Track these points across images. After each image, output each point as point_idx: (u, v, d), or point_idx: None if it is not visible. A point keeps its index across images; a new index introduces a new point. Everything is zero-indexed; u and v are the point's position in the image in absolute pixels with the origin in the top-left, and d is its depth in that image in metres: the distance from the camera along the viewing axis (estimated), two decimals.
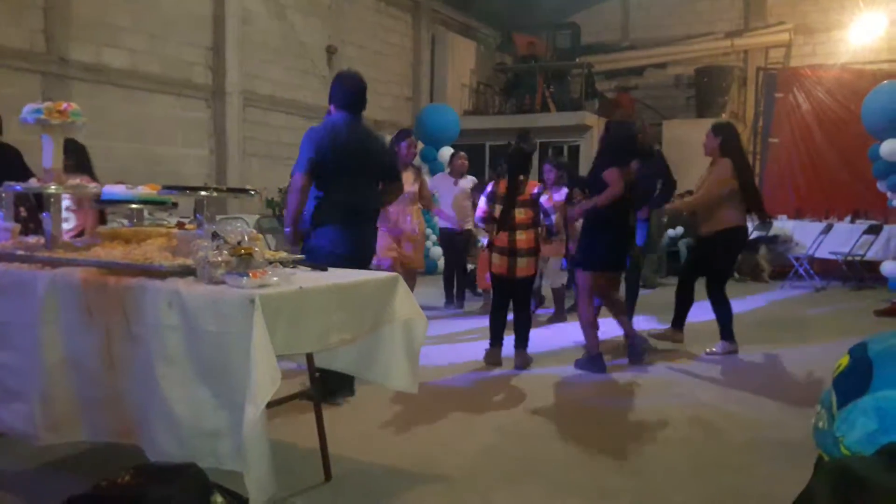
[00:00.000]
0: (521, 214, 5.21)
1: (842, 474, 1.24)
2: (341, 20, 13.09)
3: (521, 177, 5.30)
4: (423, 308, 3.13)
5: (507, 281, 5.28)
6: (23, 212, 3.78)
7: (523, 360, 5.29)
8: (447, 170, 8.47)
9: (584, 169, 14.59)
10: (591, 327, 5.27)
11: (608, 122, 5.97)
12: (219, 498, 2.18)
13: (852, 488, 1.20)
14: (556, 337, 6.38)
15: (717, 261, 5.79)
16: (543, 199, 5.37)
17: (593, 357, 5.20)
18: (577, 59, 16.27)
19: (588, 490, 3.07)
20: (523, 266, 5.22)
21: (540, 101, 15.46)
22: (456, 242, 7.85)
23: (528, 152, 5.54)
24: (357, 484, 3.05)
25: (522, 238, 5.19)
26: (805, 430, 2.25)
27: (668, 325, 6.09)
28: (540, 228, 5.37)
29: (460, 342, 6.06)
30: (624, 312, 5.64)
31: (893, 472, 1.21)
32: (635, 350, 5.41)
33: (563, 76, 16.11)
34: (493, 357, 5.32)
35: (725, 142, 5.68)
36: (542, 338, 6.19)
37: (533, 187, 5.29)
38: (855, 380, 1.59)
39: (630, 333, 5.51)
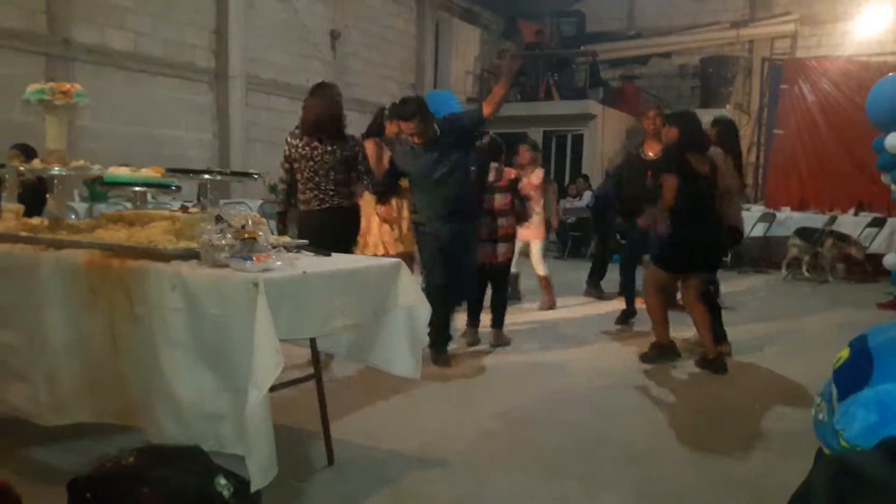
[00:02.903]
0: (499, 200, 5.36)
1: (839, 469, 1.24)
2: (345, 4, 13.04)
3: (496, 164, 5.43)
4: None
5: (489, 267, 5.41)
6: None
7: (499, 339, 5.47)
8: None
9: (587, 159, 14.64)
10: (661, 317, 5.08)
11: (670, 116, 5.41)
12: (222, 480, 2.19)
13: (850, 483, 1.20)
14: (550, 324, 6.38)
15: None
16: (520, 185, 5.46)
17: (663, 346, 5.10)
18: (582, 48, 16.21)
19: (586, 477, 3.08)
20: (503, 251, 5.42)
21: (544, 89, 15.41)
22: None
23: (499, 143, 5.59)
24: (359, 468, 3.07)
25: (504, 224, 5.39)
26: (806, 420, 2.25)
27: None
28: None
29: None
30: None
31: (892, 467, 1.20)
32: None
33: (567, 64, 16.05)
34: (470, 336, 5.45)
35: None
36: (536, 325, 6.22)
37: (510, 174, 5.47)
38: (855, 372, 1.59)
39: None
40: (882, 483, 1.19)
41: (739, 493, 3.02)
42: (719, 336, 5.51)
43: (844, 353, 1.72)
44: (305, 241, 3.17)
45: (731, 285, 8.88)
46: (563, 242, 12.78)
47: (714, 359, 4.95)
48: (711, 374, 4.88)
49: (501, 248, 5.39)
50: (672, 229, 4.92)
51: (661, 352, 5.12)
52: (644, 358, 5.11)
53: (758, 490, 3.01)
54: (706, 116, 5.79)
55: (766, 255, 11.52)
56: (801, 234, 10.37)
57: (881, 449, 1.31)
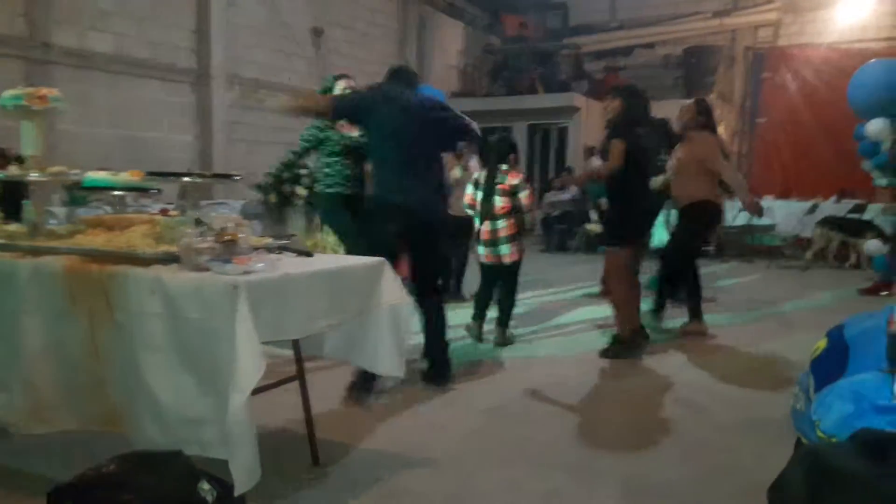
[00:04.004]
0: (501, 203, 5.27)
1: (814, 462, 1.26)
2: (327, 1, 12.98)
3: (504, 166, 5.35)
4: None
5: (496, 268, 5.40)
6: None
7: (503, 338, 5.41)
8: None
9: (572, 152, 14.66)
10: (628, 308, 5.08)
11: (616, 88, 5.47)
12: (205, 485, 2.18)
13: (824, 476, 1.21)
14: (537, 318, 6.39)
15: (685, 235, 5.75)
16: (524, 194, 5.32)
17: (624, 341, 5.04)
18: (566, 40, 16.22)
19: (575, 471, 3.09)
20: (506, 253, 5.31)
21: (528, 82, 15.42)
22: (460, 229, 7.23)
23: (509, 141, 5.59)
24: (345, 468, 3.06)
25: (503, 227, 5.28)
26: (788, 407, 2.28)
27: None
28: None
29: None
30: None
31: (865, 460, 1.22)
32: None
33: (551, 57, 16.06)
34: (475, 331, 5.44)
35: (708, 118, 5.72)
36: (522, 320, 6.23)
37: (514, 178, 5.32)
38: (831, 363, 1.60)
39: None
40: (855, 475, 1.21)
41: (729, 481, 3.03)
42: (698, 314, 5.69)
43: (822, 343, 1.74)
44: (286, 242, 3.16)
45: (714, 274, 8.93)
46: (549, 236, 12.80)
47: (629, 340, 5.04)
48: (693, 364, 4.91)
49: (504, 248, 5.28)
50: (622, 201, 5.05)
51: (625, 347, 5.04)
52: (605, 353, 5.05)
53: (747, 478, 3.01)
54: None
55: (749, 244, 11.55)
56: (832, 225, 10.15)
57: (855, 441, 1.33)
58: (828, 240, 10.12)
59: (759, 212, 5.68)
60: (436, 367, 4.32)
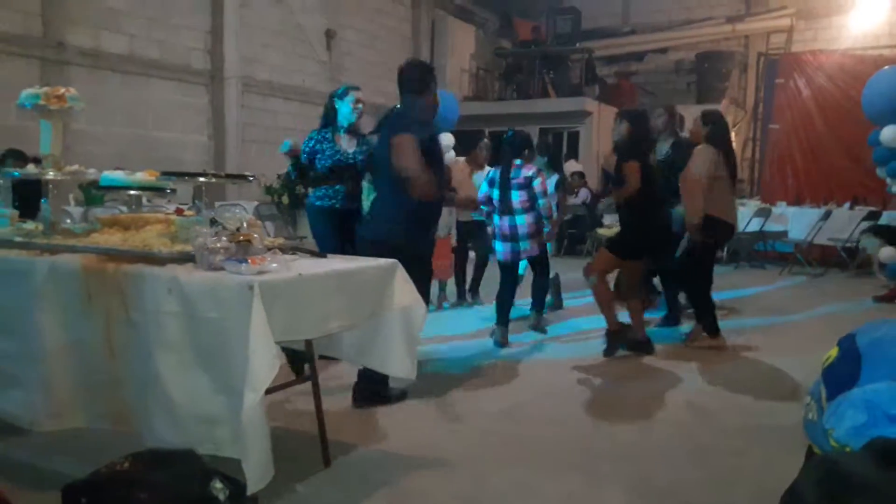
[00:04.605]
0: (519, 198, 5.31)
1: (828, 470, 1.25)
2: (340, 4, 13.02)
3: (518, 161, 5.39)
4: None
5: (514, 266, 5.48)
6: None
7: (537, 321, 5.56)
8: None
9: (583, 156, 14.64)
10: (609, 303, 5.19)
11: (623, 112, 5.55)
12: (218, 484, 2.19)
13: (838, 485, 1.21)
14: (551, 322, 6.38)
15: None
16: (537, 182, 5.34)
17: (614, 334, 5.16)
18: (578, 45, 16.19)
19: (584, 474, 3.09)
20: (526, 248, 5.38)
21: (540, 86, 15.40)
22: (476, 234, 6.95)
23: (524, 136, 5.60)
24: (356, 469, 3.07)
25: (524, 224, 5.33)
26: (799, 415, 2.27)
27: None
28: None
29: (463, 329, 6.06)
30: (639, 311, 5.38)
31: (879, 468, 1.22)
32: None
33: (563, 62, 16.05)
34: (499, 335, 5.41)
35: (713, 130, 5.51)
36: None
37: (528, 169, 5.36)
38: (844, 372, 1.60)
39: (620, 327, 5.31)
40: (870, 485, 1.20)
41: (738, 487, 3.03)
42: (714, 329, 5.55)
43: (833, 352, 1.73)
44: (298, 243, 3.18)
45: (727, 281, 8.88)
46: (559, 240, 12.77)
47: (617, 333, 5.17)
48: (702, 370, 4.90)
49: (524, 245, 5.34)
50: (630, 218, 5.18)
51: (615, 340, 5.16)
52: (605, 353, 5.15)
53: (757, 484, 3.01)
54: (699, 112, 5.82)
55: (761, 250, 11.48)
56: (884, 234, 9.54)
57: (869, 450, 1.33)
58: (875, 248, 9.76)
59: (699, 237, 5.40)
60: (361, 381, 3.85)
